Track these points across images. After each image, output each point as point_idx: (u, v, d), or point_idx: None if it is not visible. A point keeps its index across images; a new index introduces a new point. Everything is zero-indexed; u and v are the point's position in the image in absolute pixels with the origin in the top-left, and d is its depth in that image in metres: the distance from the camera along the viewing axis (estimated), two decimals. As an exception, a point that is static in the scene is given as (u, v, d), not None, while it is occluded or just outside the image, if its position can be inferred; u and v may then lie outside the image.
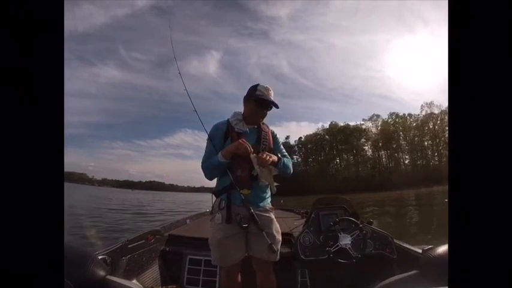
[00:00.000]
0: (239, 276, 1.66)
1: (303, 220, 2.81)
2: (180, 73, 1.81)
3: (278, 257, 1.54)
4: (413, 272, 0.84)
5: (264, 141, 1.60)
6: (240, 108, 1.67)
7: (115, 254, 1.78)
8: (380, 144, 59.42)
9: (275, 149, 1.67)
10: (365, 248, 1.87)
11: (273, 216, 1.59)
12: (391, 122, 60.51)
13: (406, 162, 58.21)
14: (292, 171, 1.67)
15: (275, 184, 1.57)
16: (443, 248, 0.81)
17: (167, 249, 2.36)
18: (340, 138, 62.46)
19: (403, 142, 59.33)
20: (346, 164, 62.12)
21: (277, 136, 1.74)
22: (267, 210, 1.57)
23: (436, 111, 55.67)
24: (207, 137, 1.61)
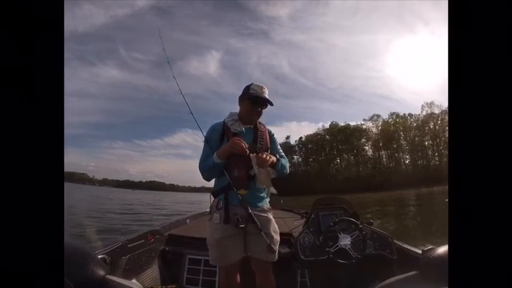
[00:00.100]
0: (238, 276, 1.65)
1: (303, 220, 2.81)
2: (174, 77, 1.79)
3: (276, 257, 1.54)
4: (413, 272, 0.84)
5: (260, 140, 1.60)
6: None
7: (115, 254, 1.78)
8: (380, 144, 59.41)
9: (272, 149, 1.66)
10: (365, 248, 1.87)
11: (271, 217, 1.58)
12: (392, 122, 60.50)
13: (407, 162, 58.26)
14: (288, 171, 1.67)
15: (272, 188, 1.56)
16: (443, 249, 0.81)
17: (167, 248, 2.36)
18: (340, 138, 62.44)
19: (403, 142, 59.38)
20: (346, 164, 62.12)
21: (275, 136, 1.73)
22: (264, 211, 1.56)
23: (437, 111, 55.76)
24: (205, 138, 1.61)
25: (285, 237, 2.22)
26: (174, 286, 2.10)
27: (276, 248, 1.53)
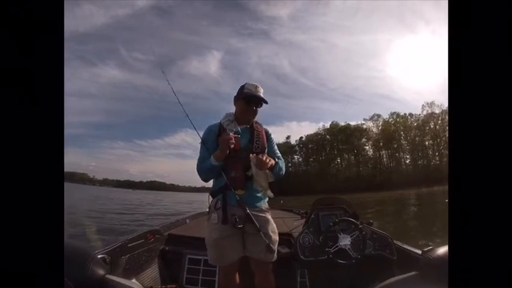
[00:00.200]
0: (237, 276, 1.66)
1: (303, 220, 2.81)
2: (169, 83, 1.79)
3: (275, 257, 1.54)
4: (413, 273, 0.84)
5: (257, 140, 1.59)
6: None
7: (114, 253, 1.78)
8: (381, 144, 59.36)
9: (269, 149, 1.66)
10: (364, 248, 1.87)
11: (269, 217, 1.58)
12: (392, 122, 60.44)
13: (407, 162, 58.19)
14: (284, 173, 1.67)
15: (269, 191, 1.55)
16: (442, 249, 0.81)
17: (167, 248, 2.36)
18: (341, 138, 62.41)
19: (404, 142, 59.34)
20: (347, 164, 62.10)
21: (272, 136, 1.72)
22: (263, 211, 1.56)
23: (437, 111, 55.67)
24: (202, 139, 1.62)
25: (285, 238, 2.22)
26: (174, 286, 2.10)
27: (275, 248, 1.53)
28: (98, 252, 1.66)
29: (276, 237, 1.56)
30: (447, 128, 0.63)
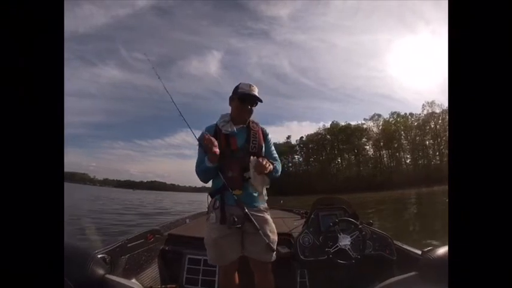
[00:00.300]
0: (237, 275, 1.66)
1: (303, 220, 2.81)
2: (165, 87, 1.79)
3: (274, 257, 1.54)
4: (413, 273, 0.84)
5: (253, 140, 1.59)
6: None
7: (114, 253, 1.78)
8: (381, 143, 59.30)
9: (266, 149, 1.66)
10: (364, 248, 1.87)
11: (267, 216, 1.58)
12: (393, 122, 60.37)
13: (408, 161, 58.13)
14: (279, 174, 1.66)
15: (264, 196, 1.55)
16: (442, 250, 0.81)
17: (166, 248, 2.36)
18: (341, 138, 62.37)
19: (404, 141, 59.26)
20: (347, 164, 62.05)
21: (269, 136, 1.71)
22: (261, 211, 1.56)
23: (438, 111, 55.56)
24: (198, 141, 1.62)
25: (285, 237, 2.22)
26: (173, 286, 2.10)
27: (273, 248, 1.53)
28: (97, 252, 1.66)
29: (274, 237, 1.56)
30: (447, 127, 0.63)
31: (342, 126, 64.06)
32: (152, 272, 2.17)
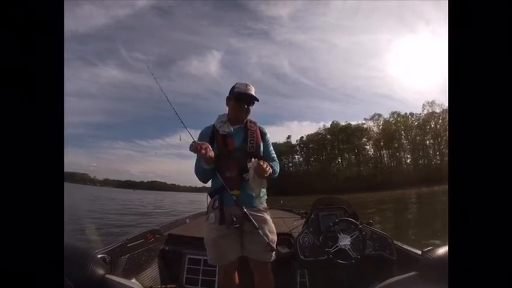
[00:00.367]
0: (237, 275, 1.66)
1: (303, 220, 2.81)
2: (160, 87, 1.78)
3: (273, 257, 1.54)
4: (413, 273, 0.84)
5: (251, 140, 1.59)
6: None
7: (114, 253, 1.78)
8: (382, 143, 59.32)
9: (264, 149, 1.65)
10: (364, 249, 1.87)
11: (266, 216, 1.58)
12: (393, 121, 60.36)
13: (408, 161, 58.11)
14: (277, 175, 1.66)
15: (260, 199, 1.54)
16: (442, 250, 0.81)
17: (166, 248, 2.36)
18: (341, 138, 62.38)
19: (404, 141, 59.26)
20: (347, 164, 62.06)
21: (268, 136, 1.70)
22: (260, 211, 1.56)
23: (438, 110, 55.56)
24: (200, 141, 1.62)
25: (285, 238, 2.22)
26: (173, 286, 2.10)
27: (273, 247, 1.53)
28: (97, 252, 1.66)
29: (274, 237, 1.56)
30: (448, 127, 0.63)
31: (342, 126, 64.09)
32: (152, 272, 2.17)
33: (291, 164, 63.87)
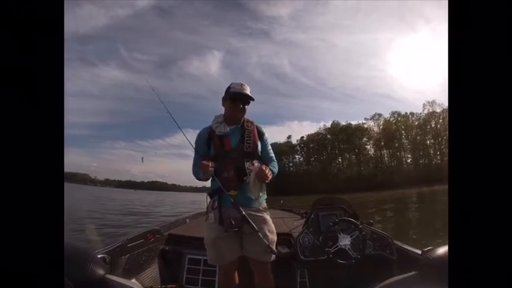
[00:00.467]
0: (237, 275, 1.66)
1: (303, 220, 2.81)
2: (159, 97, 1.82)
3: (273, 257, 1.54)
4: (413, 273, 0.84)
5: (247, 140, 1.59)
6: None
7: (114, 253, 1.78)
8: (382, 143, 59.21)
9: (262, 148, 1.65)
10: (364, 248, 1.87)
11: (266, 216, 1.57)
12: (393, 121, 60.21)
13: (408, 161, 58.01)
14: (275, 176, 1.66)
15: (258, 201, 1.55)
16: (442, 249, 0.81)
17: (167, 248, 2.36)
18: (342, 138, 62.25)
19: (405, 141, 59.11)
20: (348, 163, 61.92)
21: (265, 135, 1.70)
22: (260, 210, 1.56)
23: (438, 110, 55.35)
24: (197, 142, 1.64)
25: (285, 238, 2.22)
26: (173, 286, 2.10)
27: (273, 248, 1.53)
28: (97, 252, 1.66)
29: (274, 237, 1.56)
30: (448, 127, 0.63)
31: (343, 125, 63.94)
32: (152, 272, 2.17)
33: (291, 164, 63.76)
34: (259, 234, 1.46)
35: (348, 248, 1.86)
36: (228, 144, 1.56)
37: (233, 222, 1.46)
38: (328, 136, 64.56)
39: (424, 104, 59.15)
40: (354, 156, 61.93)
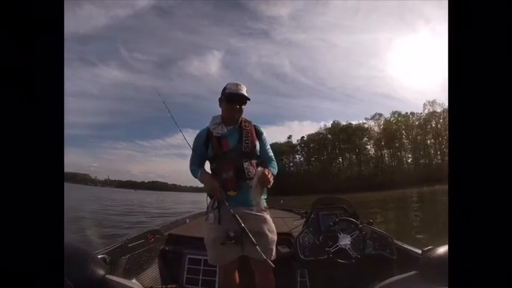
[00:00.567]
0: (237, 275, 1.66)
1: (303, 220, 2.81)
2: (163, 99, 1.82)
3: (273, 257, 1.53)
4: (413, 272, 0.84)
5: (245, 140, 1.58)
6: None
7: (114, 253, 1.78)
8: (382, 143, 59.14)
9: (260, 148, 1.65)
10: (364, 248, 1.87)
11: (266, 216, 1.57)
12: (394, 121, 60.13)
13: (409, 161, 57.92)
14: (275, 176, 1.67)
15: (259, 204, 1.55)
16: (442, 249, 0.81)
17: (167, 248, 2.36)
18: (342, 137, 62.18)
19: (405, 141, 59.02)
20: (348, 163, 61.86)
21: (264, 135, 1.70)
22: (260, 210, 1.55)
23: (439, 110, 55.24)
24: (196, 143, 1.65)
25: (285, 237, 2.23)
26: (174, 286, 2.11)
27: (273, 248, 1.53)
28: (98, 252, 1.66)
29: (273, 236, 1.56)
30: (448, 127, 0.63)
31: (343, 125, 63.85)
32: (152, 272, 2.17)
33: (291, 164, 63.68)
34: (258, 248, 1.44)
35: (348, 248, 1.86)
36: (226, 146, 1.56)
37: (231, 235, 1.45)
38: (329, 136, 64.49)
39: (424, 104, 59.14)
40: (354, 156, 61.87)
